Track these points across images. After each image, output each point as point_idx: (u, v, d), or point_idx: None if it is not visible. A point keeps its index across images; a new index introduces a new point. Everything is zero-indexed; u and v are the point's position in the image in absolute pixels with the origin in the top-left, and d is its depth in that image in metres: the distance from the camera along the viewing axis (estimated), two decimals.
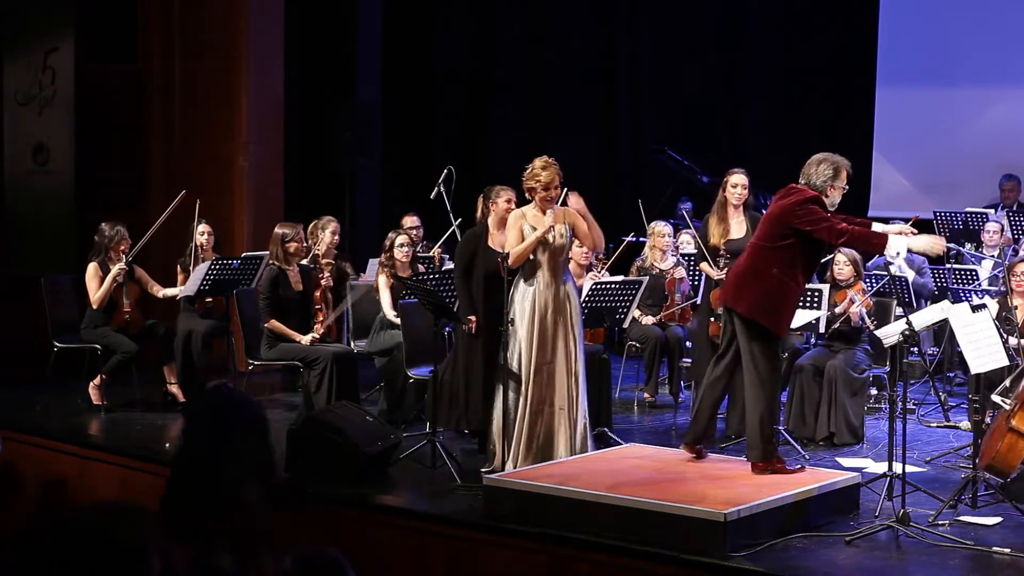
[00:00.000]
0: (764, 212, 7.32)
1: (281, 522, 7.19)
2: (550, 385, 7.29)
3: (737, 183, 8.41)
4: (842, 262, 8.71)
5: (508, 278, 7.37)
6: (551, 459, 7.23)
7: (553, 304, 7.32)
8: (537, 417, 7.27)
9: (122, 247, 9.31)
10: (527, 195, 7.44)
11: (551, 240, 7.32)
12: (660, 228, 10.08)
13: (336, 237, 9.84)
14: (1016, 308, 8.34)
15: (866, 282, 9.03)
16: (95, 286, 9.24)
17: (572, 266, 9.08)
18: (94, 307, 9.24)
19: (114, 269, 9.22)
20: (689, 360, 9.38)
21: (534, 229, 7.32)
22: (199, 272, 9.25)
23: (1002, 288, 8.77)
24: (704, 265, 8.57)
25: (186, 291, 9.36)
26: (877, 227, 6.96)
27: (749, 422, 6.97)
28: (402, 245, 9.20)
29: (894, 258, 8.45)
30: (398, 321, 8.96)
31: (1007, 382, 6.86)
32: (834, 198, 6.89)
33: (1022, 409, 6.64)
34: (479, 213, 8.22)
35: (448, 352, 8.36)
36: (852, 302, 8.54)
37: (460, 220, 9.27)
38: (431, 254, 9.87)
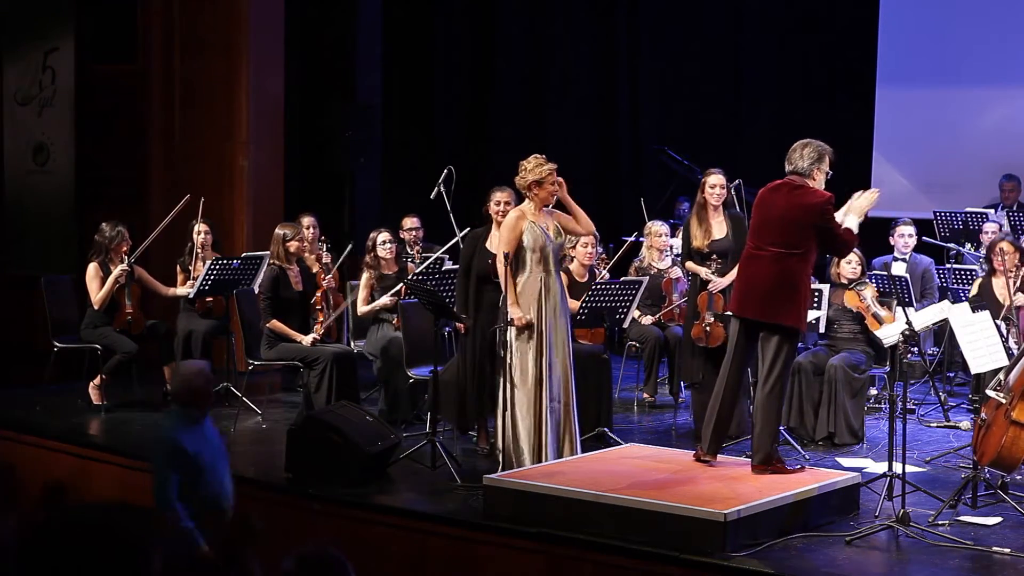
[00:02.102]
0: (758, 210, 7.12)
1: (282, 522, 7.20)
2: (551, 384, 7.29)
3: (716, 183, 8.38)
4: (855, 261, 8.70)
5: (496, 280, 7.35)
6: (552, 458, 7.23)
7: (553, 303, 7.32)
8: (539, 416, 7.27)
9: (124, 248, 9.30)
10: (526, 196, 7.43)
11: (547, 241, 7.33)
12: (657, 228, 10.06)
13: (314, 230, 9.90)
14: (996, 289, 8.36)
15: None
16: (96, 286, 9.23)
17: (575, 266, 9.08)
18: (95, 308, 9.23)
19: (116, 271, 9.21)
20: None
21: (534, 224, 7.32)
22: (201, 276, 9.26)
23: (984, 268, 8.81)
24: (691, 265, 8.50)
25: (191, 293, 9.39)
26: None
27: (760, 427, 6.87)
28: (385, 243, 9.19)
29: None
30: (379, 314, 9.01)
31: (1000, 375, 6.85)
32: (820, 181, 6.91)
33: (1022, 401, 6.60)
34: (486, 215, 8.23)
35: (448, 352, 8.37)
36: (870, 307, 8.55)
37: (468, 230, 9.09)
38: (411, 252, 9.91)
